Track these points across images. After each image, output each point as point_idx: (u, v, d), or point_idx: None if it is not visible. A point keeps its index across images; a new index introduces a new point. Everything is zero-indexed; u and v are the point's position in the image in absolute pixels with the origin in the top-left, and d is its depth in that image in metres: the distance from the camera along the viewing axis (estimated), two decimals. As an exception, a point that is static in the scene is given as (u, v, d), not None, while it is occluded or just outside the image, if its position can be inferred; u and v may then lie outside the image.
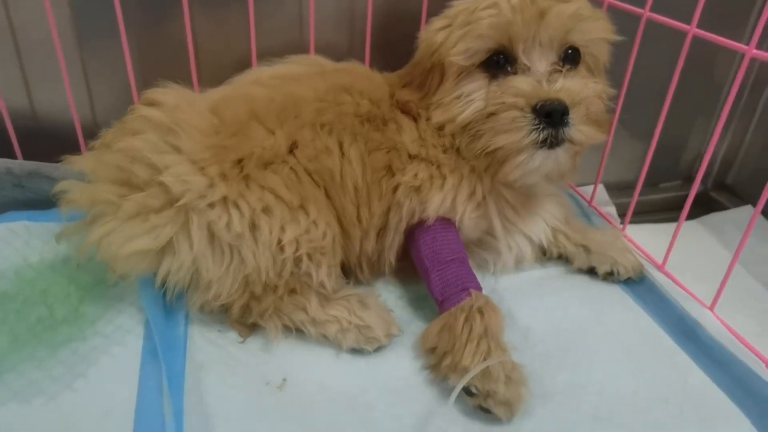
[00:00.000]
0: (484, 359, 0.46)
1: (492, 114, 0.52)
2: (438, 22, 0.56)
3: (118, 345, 0.50)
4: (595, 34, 0.53)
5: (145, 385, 0.46)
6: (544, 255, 0.64)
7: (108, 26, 0.64)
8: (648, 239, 0.69)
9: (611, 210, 0.72)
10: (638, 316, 0.57)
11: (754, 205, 0.82)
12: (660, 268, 0.62)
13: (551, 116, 0.49)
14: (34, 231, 0.62)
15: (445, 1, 0.57)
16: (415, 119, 0.56)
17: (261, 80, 0.57)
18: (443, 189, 0.54)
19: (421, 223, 0.55)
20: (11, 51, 0.65)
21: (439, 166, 0.55)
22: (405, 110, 0.56)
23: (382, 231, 0.56)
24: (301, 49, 0.71)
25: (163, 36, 0.67)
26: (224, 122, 0.52)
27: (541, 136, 0.50)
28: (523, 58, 0.52)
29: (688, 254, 0.66)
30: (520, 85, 0.51)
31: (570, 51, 0.53)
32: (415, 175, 0.54)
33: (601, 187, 0.73)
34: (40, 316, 0.53)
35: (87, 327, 0.52)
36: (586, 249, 0.62)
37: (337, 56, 0.63)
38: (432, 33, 0.55)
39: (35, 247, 0.61)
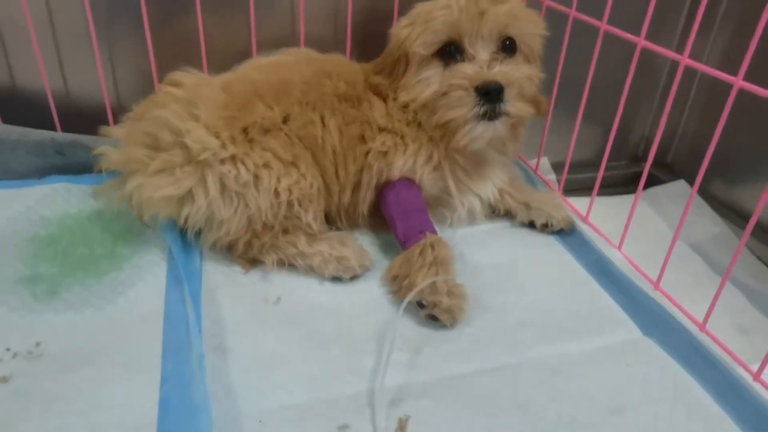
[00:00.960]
0: (431, 280, 0.59)
1: (444, 93, 0.65)
2: (404, 21, 0.68)
3: (149, 274, 0.63)
4: (527, 29, 0.66)
5: (171, 300, 0.58)
6: (493, 212, 0.77)
7: (133, 20, 0.76)
8: (595, 208, 0.80)
9: (552, 177, 0.85)
10: (563, 256, 0.70)
11: (689, 180, 0.96)
12: (585, 220, 0.76)
13: (489, 94, 0.62)
14: (73, 191, 0.74)
15: (413, 2, 0.70)
16: (384, 99, 0.69)
17: (260, 66, 0.70)
18: (405, 154, 0.67)
19: (388, 181, 0.68)
20: (51, 40, 0.77)
21: (402, 137, 0.68)
22: (376, 92, 0.69)
23: (356, 187, 0.69)
24: (293, 42, 0.82)
25: (178, 29, 0.79)
26: (233, 98, 0.64)
27: (482, 110, 0.63)
28: (469, 49, 0.65)
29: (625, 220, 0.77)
30: (465, 69, 0.64)
31: (507, 42, 0.65)
32: (383, 142, 0.67)
33: (544, 159, 0.87)
34: (83, 253, 0.65)
35: (123, 262, 0.64)
36: (527, 206, 0.75)
37: (324, 49, 0.75)
38: (399, 29, 0.68)
39: (74, 203, 0.73)
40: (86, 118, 0.78)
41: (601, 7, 0.68)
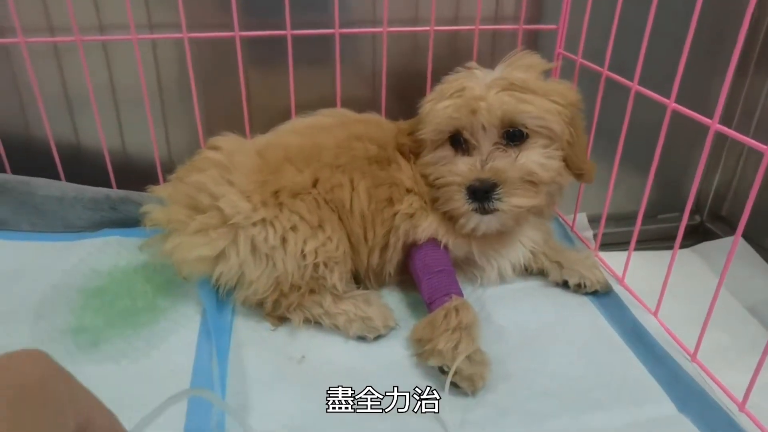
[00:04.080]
0: (455, 346, 0.58)
1: (443, 186, 0.66)
2: (429, 96, 0.70)
3: (182, 327, 0.66)
4: (537, 112, 0.64)
5: (200, 355, 0.61)
6: (526, 270, 0.76)
7: (182, 86, 0.82)
8: (641, 263, 0.76)
9: (588, 234, 0.83)
10: (596, 320, 0.68)
11: (745, 234, 0.91)
12: (621, 281, 0.73)
13: (476, 194, 0.63)
14: (123, 244, 0.79)
15: (444, 67, 0.71)
16: (408, 160, 0.70)
17: (297, 129, 0.73)
18: (428, 219, 0.68)
19: (415, 242, 0.69)
20: (111, 104, 0.84)
21: (426, 201, 0.69)
22: (402, 151, 0.71)
23: (384, 249, 0.70)
24: (332, 101, 0.86)
25: (224, 93, 0.85)
26: (266, 163, 0.67)
27: (473, 207, 0.64)
28: (471, 140, 0.65)
29: (675, 277, 0.72)
30: (459, 167, 0.65)
31: (512, 130, 0.65)
32: (410, 204, 0.68)
33: (582, 215, 0.85)
34: (126, 305, 0.69)
35: (160, 315, 0.68)
36: (560, 265, 0.73)
37: (361, 108, 0.78)
38: (423, 104, 0.70)
39: (124, 255, 0.78)
40: (139, 175, 0.84)
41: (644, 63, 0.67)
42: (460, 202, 0.65)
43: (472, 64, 0.70)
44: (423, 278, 0.66)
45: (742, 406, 0.54)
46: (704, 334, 0.59)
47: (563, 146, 0.67)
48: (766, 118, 0.91)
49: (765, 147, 0.50)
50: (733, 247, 0.56)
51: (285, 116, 0.79)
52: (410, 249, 0.70)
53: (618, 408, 0.56)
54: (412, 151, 0.71)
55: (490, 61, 0.87)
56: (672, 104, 0.61)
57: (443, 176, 0.67)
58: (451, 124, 0.66)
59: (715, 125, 0.56)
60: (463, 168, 0.65)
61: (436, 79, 0.71)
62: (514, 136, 0.65)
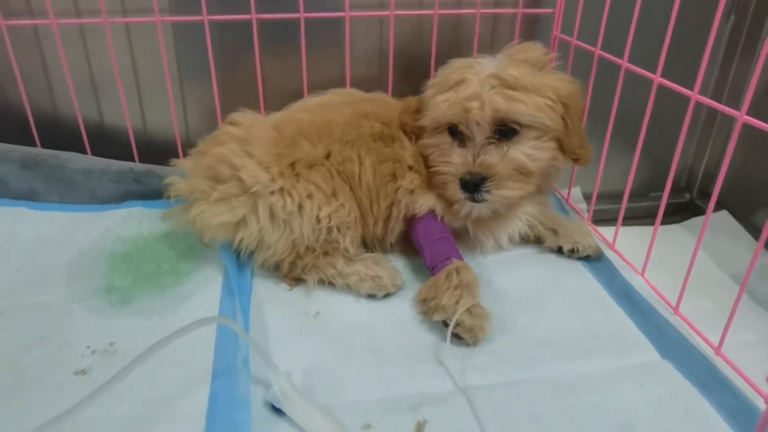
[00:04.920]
0: (457, 301, 0.63)
1: (438, 173, 0.72)
2: (430, 82, 0.74)
3: (205, 288, 0.71)
4: (523, 113, 0.67)
5: (224, 310, 0.66)
6: (522, 239, 0.81)
7: (202, 67, 0.87)
8: (632, 237, 0.81)
9: (582, 206, 0.88)
10: (588, 281, 0.73)
11: (732, 210, 0.96)
12: (611, 247, 0.78)
13: (467, 186, 0.69)
14: (146, 214, 0.84)
15: (448, 47, 0.76)
16: (410, 138, 0.75)
17: (308, 106, 0.78)
18: (426, 195, 0.73)
19: (415, 215, 0.74)
20: (133, 85, 0.90)
21: (425, 180, 0.74)
22: (404, 131, 0.75)
23: (387, 219, 0.75)
24: (342, 81, 0.91)
25: (240, 74, 0.90)
26: (282, 137, 0.72)
27: (465, 195, 0.70)
28: (466, 132, 0.70)
29: (666, 250, 0.78)
30: (454, 159, 0.70)
31: (504, 128, 0.69)
32: (411, 180, 0.73)
33: (576, 189, 0.90)
34: (151, 269, 0.74)
35: (184, 277, 0.73)
36: (555, 232, 0.79)
37: (369, 87, 0.83)
38: (426, 91, 0.74)
39: (146, 225, 0.83)
40: (160, 151, 0.89)
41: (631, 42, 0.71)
42: (454, 191, 0.70)
43: (475, 57, 0.74)
44: (425, 246, 0.72)
45: (717, 351, 0.59)
46: (685, 287, 0.64)
47: (558, 135, 0.71)
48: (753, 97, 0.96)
49: (737, 113, 0.55)
50: (709, 210, 0.61)
51: (298, 96, 0.84)
52: (411, 221, 0.75)
53: (607, 356, 0.61)
54: (414, 131, 0.75)
55: (490, 44, 0.93)
56: (658, 79, 0.66)
57: (439, 165, 0.71)
58: (447, 118, 0.70)
59: (695, 96, 0.61)
60: (456, 160, 0.70)
61: (441, 61, 0.76)
62: (506, 131, 0.69)
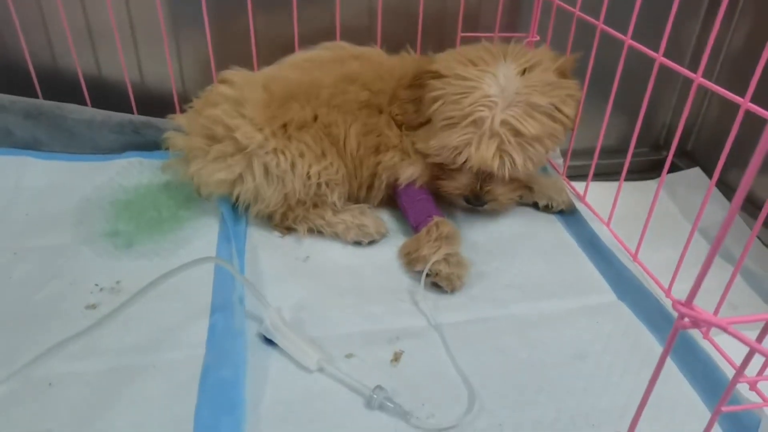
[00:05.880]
0: (436, 251, 0.68)
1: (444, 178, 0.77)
2: (436, 91, 0.72)
3: (204, 233, 0.76)
4: (534, 164, 0.72)
5: (221, 253, 0.72)
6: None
7: (197, 21, 0.89)
8: (607, 192, 0.83)
9: (559, 161, 0.93)
10: (559, 233, 0.79)
11: (705, 167, 1.00)
12: (582, 199, 0.84)
13: (471, 203, 0.77)
14: (146, 164, 0.88)
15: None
16: (399, 127, 0.78)
17: (297, 63, 0.81)
18: (410, 169, 0.77)
19: (398, 183, 0.78)
20: (130, 39, 0.92)
21: (409, 155, 0.77)
22: (394, 120, 0.78)
23: (369, 187, 0.80)
24: (333, 33, 0.92)
25: (234, 28, 0.92)
26: (272, 98, 0.75)
27: (467, 205, 0.77)
28: None
29: (639, 204, 0.80)
30: (460, 182, 0.76)
31: None
32: (392, 157, 0.77)
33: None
34: (152, 216, 0.79)
35: (183, 223, 0.78)
36: (531, 189, 0.83)
37: (359, 39, 0.85)
38: (429, 98, 0.73)
39: (146, 174, 0.87)
40: (157, 103, 0.93)
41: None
42: (456, 200, 0.78)
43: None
44: (408, 208, 0.77)
45: (668, 293, 0.65)
46: (644, 236, 0.70)
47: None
48: (728, 61, 1.00)
49: (694, 75, 0.59)
50: (667, 162, 0.66)
51: (289, 47, 0.87)
52: (394, 187, 0.79)
53: (569, 297, 0.67)
54: (405, 123, 0.77)
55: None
56: (628, 41, 0.69)
57: (445, 184, 0.77)
58: (465, 165, 0.73)
59: (659, 58, 0.65)
60: (463, 182, 0.76)
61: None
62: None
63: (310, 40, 0.85)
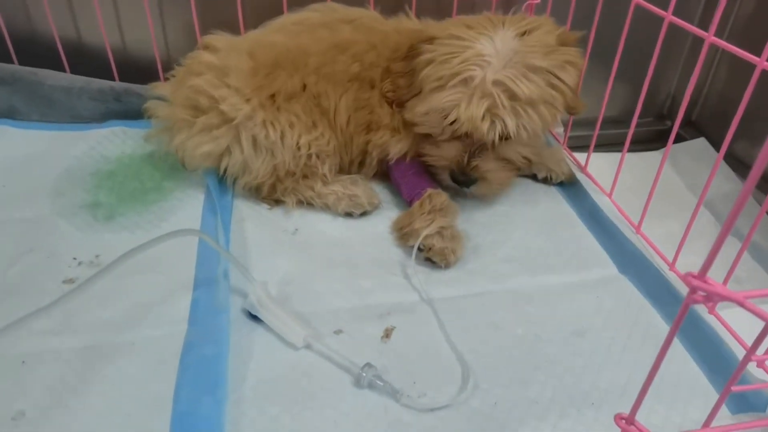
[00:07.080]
0: (430, 224, 0.65)
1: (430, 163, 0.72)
2: (427, 55, 0.68)
3: (188, 205, 0.73)
4: (528, 130, 0.65)
5: (206, 225, 0.69)
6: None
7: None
8: (610, 162, 0.81)
9: (560, 130, 0.90)
10: (559, 204, 0.76)
11: (711, 137, 0.97)
12: (583, 170, 0.80)
13: (457, 181, 0.70)
14: (128, 134, 0.85)
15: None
16: (390, 105, 0.73)
17: (284, 26, 0.76)
18: (399, 144, 0.73)
19: (389, 160, 0.75)
20: (110, 1, 0.88)
21: (400, 131, 0.73)
22: (385, 98, 0.73)
23: (361, 163, 0.77)
24: None
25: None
26: (258, 66, 0.71)
27: (453, 184, 0.71)
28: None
29: (643, 175, 0.80)
30: (447, 153, 0.70)
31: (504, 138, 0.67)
32: (382, 136, 0.73)
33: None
34: (135, 187, 0.76)
35: (167, 194, 0.75)
36: (529, 159, 0.80)
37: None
38: (421, 63, 0.68)
39: (129, 144, 0.84)
40: (140, 70, 0.89)
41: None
42: (443, 177, 0.72)
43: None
44: (401, 182, 0.74)
45: (672, 266, 0.63)
46: (647, 209, 0.67)
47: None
48: (739, 23, 0.96)
49: (705, 33, 0.55)
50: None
51: (276, 12, 0.82)
52: (386, 162, 0.76)
53: (568, 271, 0.65)
54: (395, 101, 0.73)
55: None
56: (669, 16, 0.62)
57: (431, 156, 0.72)
58: (452, 126, 0.67)
59: (669, 17, 0.61)
60: (450, 154, 0.70)
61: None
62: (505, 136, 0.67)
63: (300, 1, 0.81)
